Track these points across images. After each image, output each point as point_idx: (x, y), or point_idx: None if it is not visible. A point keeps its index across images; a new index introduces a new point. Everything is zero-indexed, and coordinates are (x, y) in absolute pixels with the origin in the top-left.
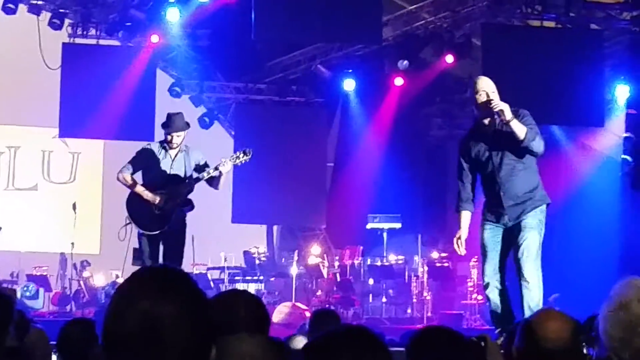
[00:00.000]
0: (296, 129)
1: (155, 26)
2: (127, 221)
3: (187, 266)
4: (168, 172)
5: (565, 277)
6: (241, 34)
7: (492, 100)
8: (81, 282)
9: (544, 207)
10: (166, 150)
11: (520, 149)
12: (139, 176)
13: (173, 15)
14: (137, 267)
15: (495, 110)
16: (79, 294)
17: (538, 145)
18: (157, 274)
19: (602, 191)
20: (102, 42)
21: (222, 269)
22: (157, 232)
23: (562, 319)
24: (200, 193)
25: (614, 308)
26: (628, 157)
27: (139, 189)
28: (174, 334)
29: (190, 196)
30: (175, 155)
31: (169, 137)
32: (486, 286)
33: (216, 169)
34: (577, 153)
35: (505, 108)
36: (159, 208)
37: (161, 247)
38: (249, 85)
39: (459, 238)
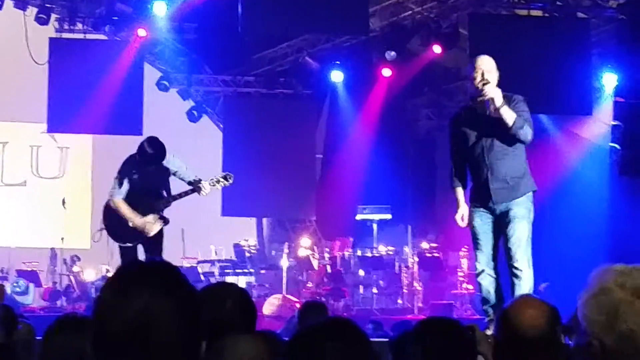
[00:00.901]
0: (285, 121)
1: (142, 20)
2: (102, 227)
3: (177, 259)
4: (147, 185)
5: (554, 266)
6: (228, 26)
7: (484, 85)
8: (71, 277)
9: (531, 194)
10: (146, 164)
11: (508, 135)
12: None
13: (160, 9)
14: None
15: (486, 98)
16: (70, 289)
17: (525, 133)
18: (149, 269)
19: (591, 179)
20: (89, 36)
21: (212, 262)
22: (130, 244)
23: (539, 306)
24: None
25: (593, 293)
26: (616, 145)
27: (132, 216)
28: (167, 330)
29: (178, 190)
30: (155, 168)
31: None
32: (479, 273)
33: (193, 191)
34: (565, 141)
35: (496, 95)
36: (134, 224)
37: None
38: (236, 78)
39: (462, 214)
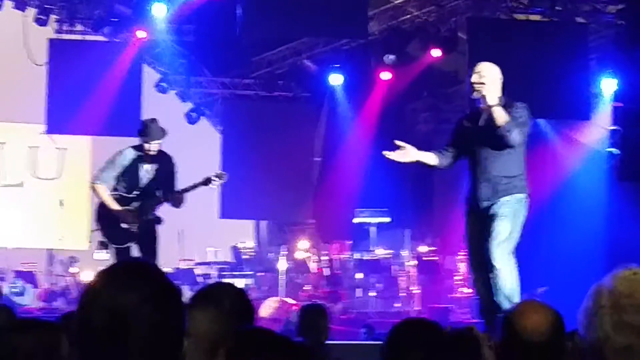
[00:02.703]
0: (283, 124)
1: (141, 22)
2: (96, 228)
3: (174, 261)
4: (141, 183)
5: (552, 270)
6: (227, 29)
7: (477, 85)
8: (69, 278)
9: (521, 196)
10: (142, 159)
11: (498, 135)
12: (115, 182)
13: (159, 11)
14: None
15: (478, 96)
16: (67, 290)
17: (512, 138)
18: (125, 266)
19: (589, 184)
20: (88, 37)
21: (209, 264)
22: (123, 245)
23: (543, 312)
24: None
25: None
26: (615, 150)
27: (111, 203)
28: (138, 325)
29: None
30: (151, 165)
31: (146, 146)
32: (474, 278)
33: (186, 190)
34: (564, 146)
35: (488, 94)
36: (127, 222)
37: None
38: (235, 80)
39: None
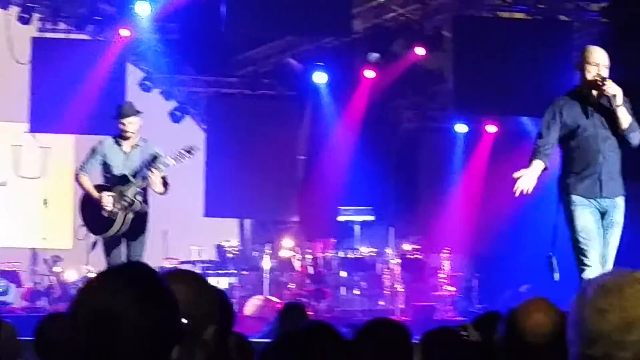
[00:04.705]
0: (268, 123)
1: (125, 20)
2: (82, 223)
3: (158, 260)
4: (120, 170)
5: (535, 268)
6: (211, 27)
7: (606, 80)
8: (53, 278)
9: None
10: (119, 145)
11: (617, 134)
12: (99, 172)
13: (143, 9)
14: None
15: (608, 94)
16: (51, 290)
17: (636, 137)
18: (117, 268)
19: None
20: (71, 36)
21: (194, 263)
22: (104, 234)
23: (547, 311)
24: (172, 188)
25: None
26: None
27: (92, 191)
28: (128, 326)
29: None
30: (130, 151)
31: (121, 127)
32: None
33: (156, 167)
34: None
35: (619, 93)
36: (106, 210)
37: (124, 247)
38: (219, 78)
39: (526, 180)
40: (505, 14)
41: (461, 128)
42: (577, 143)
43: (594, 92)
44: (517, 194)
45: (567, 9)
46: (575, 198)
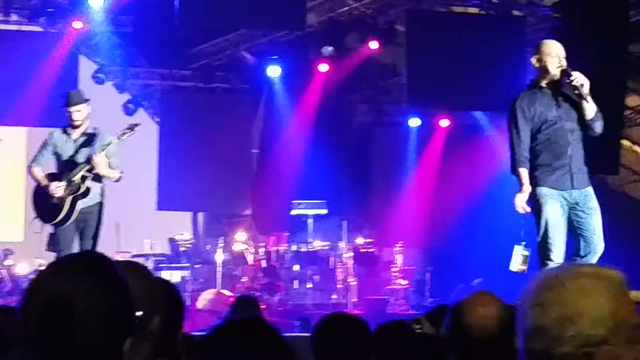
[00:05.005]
0: (221, 116)
1: (78, 12)
2: (35, 215)
3: (111, 253)
4: (69, 158)
5: (488, 262)
6: (165, 20)
7: (571, 71)
8: (4, 271)
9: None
10: (68, 135)
11: (582, 126)
12: (51, 163)
13: (96, 1)
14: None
15: (576, 84)
16: (2, 283)
17: (600, 125)
18: (72, 257)
19: None
20: (23, 28)
21: (146, 256)
22: (53, 221)
23: (492, 305)
24: (124, 181)
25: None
26: None
27: (41, 179)
28: (81, 316)
29: (114, 184)
30: (78, 139)
31: (69, 115)
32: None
33: (101, 151)
34: (500, 138)
35: (586, 82)
36: (55, 197)
37: (77, 239)
38: (173, 71)
39: (525, 197)
40: (459, 9)
41: (414, 122)
42: (545, 136)
43: (556, 84)
44: (520, 212)
45: (520, 4)
46: (545, 190)
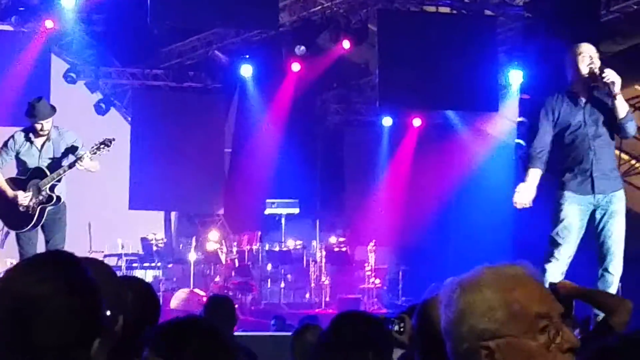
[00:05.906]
0: (193, 115)
1: (49, 11)
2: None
3: (83, 253)
4: (35, 164)
5: (460, 261)
6: (137, 19)
7: (603, 68)
8: None
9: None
10: (31, 141)
11: (614, 125)
12: (13, 167)
13: (68, 0)
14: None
15: (607, 81)
16: None
17: (633, 127)
18: (40, 257)
19: (497, 175)
20: None
21: (119, 255)
22: (23, 230)
23: None
24: (96, 180)
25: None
26: (521, 142)
27: (5, 188)
28: (48, 315)
29: (86, 183)
30: (43, 145)
31: (37, 126)
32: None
33: (73, 165)
34: (472, 137)
35: (617, 80)
36: (22, 206)
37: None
38: (145, 71)
39: (524, 195)
40: (431, 8)
41: (387, 121)
42: (567, 141)
43: (587, 87)
44: (518, 207)
45: (491, 3)
46: (567, 193)
